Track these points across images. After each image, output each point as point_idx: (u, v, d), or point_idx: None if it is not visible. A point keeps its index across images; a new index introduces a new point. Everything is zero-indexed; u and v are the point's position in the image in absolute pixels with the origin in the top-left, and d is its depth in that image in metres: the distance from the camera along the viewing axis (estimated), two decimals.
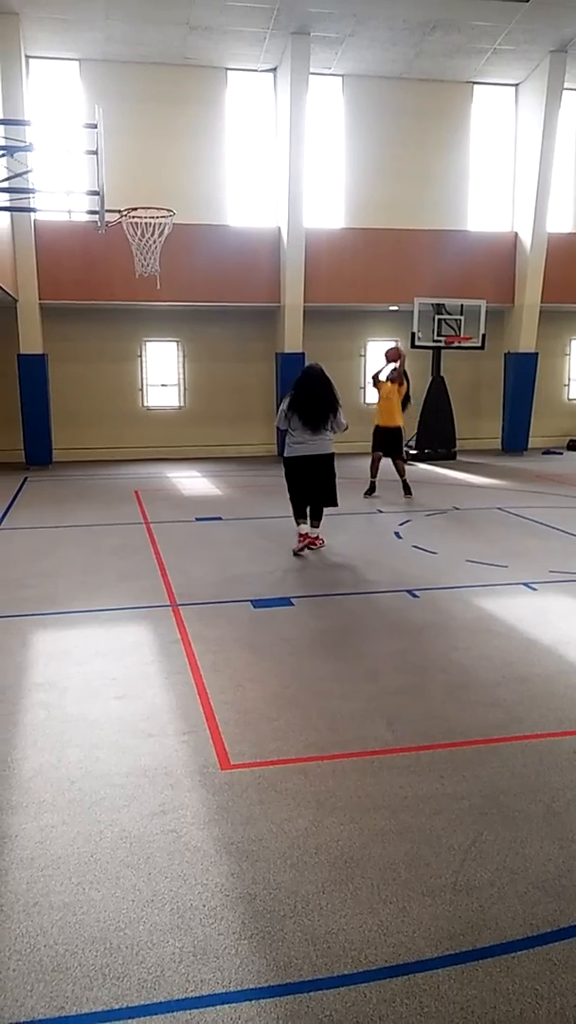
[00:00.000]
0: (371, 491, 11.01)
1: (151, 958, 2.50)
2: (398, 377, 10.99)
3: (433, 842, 3.10)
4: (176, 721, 4.16)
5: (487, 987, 2.38)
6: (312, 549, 7.83)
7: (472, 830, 3.17)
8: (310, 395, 7.60)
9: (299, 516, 7.85)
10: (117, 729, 4.08)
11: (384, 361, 11.32)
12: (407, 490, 10.96)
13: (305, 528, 7.81)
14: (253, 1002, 2.34)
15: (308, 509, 7.83)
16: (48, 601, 6.35)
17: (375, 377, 11.25)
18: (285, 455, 7.81)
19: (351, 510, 10.06)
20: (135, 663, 5.02)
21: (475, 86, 15.64)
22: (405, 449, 15.27)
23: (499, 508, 10.26)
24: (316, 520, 7.87)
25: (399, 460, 11.08)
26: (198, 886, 2.84)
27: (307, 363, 8.15)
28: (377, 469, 11.04)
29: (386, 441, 10.96)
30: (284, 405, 7.72)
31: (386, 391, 10.92)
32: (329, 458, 7.71)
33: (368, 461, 11.23)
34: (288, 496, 7.87)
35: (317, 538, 7.89)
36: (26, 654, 5.21)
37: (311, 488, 7.70)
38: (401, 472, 11.04)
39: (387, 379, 11.07)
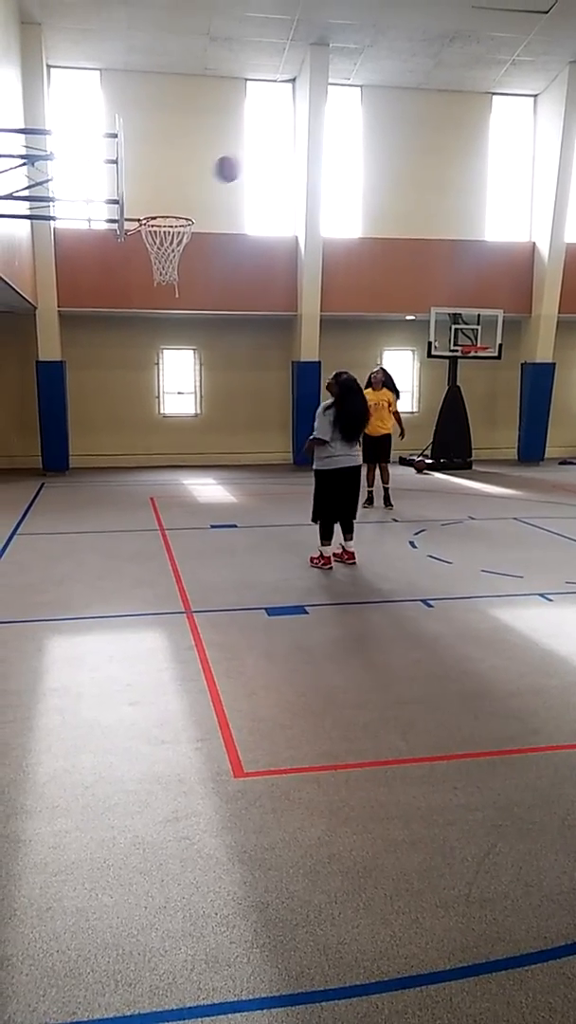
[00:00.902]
0: (369, 501, 10.94)
1: (163, 965, 2.50)
2: (381, 382, 10.76)
3: (447, 853, 3.08)
4: (190, 728, 4.16)
5: (500, 1000, 2.37)
6: (351, 563, 7.68)
7: (486, 842, 3.15)
8: (355, 408, 7.39)
9: (328, 537, 7.55)
10: (131, 735, 4.08)
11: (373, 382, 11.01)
12: (388, 501, 10.91)
13: (330, 550, 7.59)
14: (265, 1011, 2.33)
15: (338, 525, 7.65)
16: (63, 607, 6.38)
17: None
18: (324, 468, 7.40)
19: (366, 519, 10.06)
20: (149, 669, 5.03)
21: (494, 97, 15.67)
22: (421, 458, 15.37)
23: (515, 518, 10.22)
24: (350, 533, 7.74)
25: (386, 465, 10.98)
26: (210, 894, 2.84)
27: (337, 371, 7.55)
28: (373, 478, 10.99)
29: (376, 449, 10.82)
30: (330, 417, 7.27)
31: (375, 398, 10.72)
32: (359, 469, 7.66)
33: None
34: (314, 511, 7.56)
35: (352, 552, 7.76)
36: (41, 659, 5.24)
37: (346, 501, 7.53)
38: (386, 479, 10.97)
39: (373, 387, 10.76)
